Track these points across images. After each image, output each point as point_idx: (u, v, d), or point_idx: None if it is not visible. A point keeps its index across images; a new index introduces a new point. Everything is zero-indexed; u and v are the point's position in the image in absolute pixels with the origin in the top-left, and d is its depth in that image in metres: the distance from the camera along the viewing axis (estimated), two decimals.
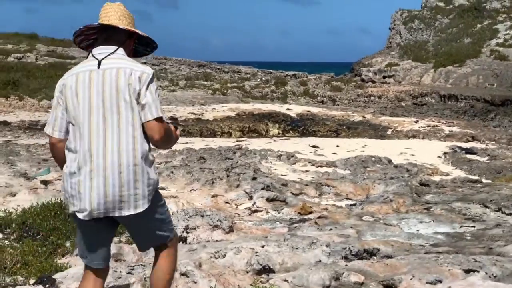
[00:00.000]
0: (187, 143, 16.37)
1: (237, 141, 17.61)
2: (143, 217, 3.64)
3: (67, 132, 3.65)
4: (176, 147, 15.02)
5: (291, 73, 53.13)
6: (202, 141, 17.30)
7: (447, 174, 13.23)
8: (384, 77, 53.73)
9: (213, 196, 9.27)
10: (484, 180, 12.65)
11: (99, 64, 3.59)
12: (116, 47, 3.68)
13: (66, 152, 3.64)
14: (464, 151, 16.65)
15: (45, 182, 9.51)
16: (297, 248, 6.52)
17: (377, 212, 9.00)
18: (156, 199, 3.73)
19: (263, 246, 6.49)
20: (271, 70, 56.22)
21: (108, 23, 3.71)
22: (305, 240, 6.64)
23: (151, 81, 3.59)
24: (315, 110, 27.37)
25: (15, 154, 12.05)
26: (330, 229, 7.85)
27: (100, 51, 3.67)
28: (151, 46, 4.01)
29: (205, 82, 41.39)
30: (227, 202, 9.21)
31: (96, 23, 3.73)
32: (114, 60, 3.62)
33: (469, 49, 52.61)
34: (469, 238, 7.60)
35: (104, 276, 3.89)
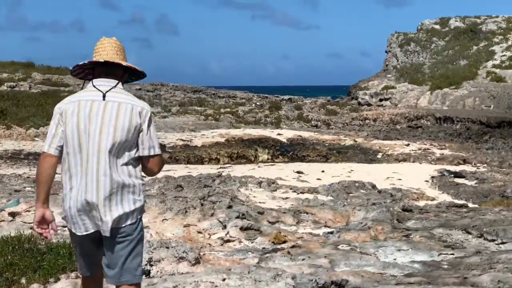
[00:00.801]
0: (169, 170, 16.13)
1: (220, 167, 17.37)
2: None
3: (61, 152, 3.96)
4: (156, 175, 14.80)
5: (286, 97, 53.08)
6: (185, 168, 17.07)
7: (433, 199, 12.98)
8: (381, 100, 53.72)
9: (185, 226, 8.99)
10: (470, 205, 12.41)
11: (104, 96, 3.95)
12: (117, 82, 4.06)
13: (65, 181, 3.97)
14: (452, 175, 16.41)
15: (13, 214, 9.22)
16: (260, 281, 6.27)
17: (354, 240, 8.71)
18: (140, 226, 4.15)
19: (224, 280, 6.23)
20: (267, 95, 56.22)
21: (107, 58, 4.06)
22: (270, 272, 6.38)
23: (150, 119, 4.01)
24: (306, 134, 27.18)
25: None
26: (303, 259, 7.58)
27: (102, 83, 4.02)
28: (136, 75, 4.36)
29: (199, 108, 41.29)
30: (199, 232, 8.92)
31: (101, 60, 4.05)
32: (116, 94, 3.99)
33: (465, 71, 52.67)
34: (445, 266, 7.33)
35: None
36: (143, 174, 4.11)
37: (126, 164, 3.94)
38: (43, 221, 3.99)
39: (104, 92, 3.97)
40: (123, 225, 3.96)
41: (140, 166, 4.05)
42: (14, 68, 53.18)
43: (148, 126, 3.98)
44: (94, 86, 4.01)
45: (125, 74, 4.19)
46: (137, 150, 3.98)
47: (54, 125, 3.97)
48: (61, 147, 3.96)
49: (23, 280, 6.30)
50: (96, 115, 3.90)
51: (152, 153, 4.01)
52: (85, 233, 3.96)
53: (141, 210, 4.06)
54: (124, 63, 4.11)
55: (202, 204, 9.79)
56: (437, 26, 65.85)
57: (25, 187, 11.93)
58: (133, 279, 4.06)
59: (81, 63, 4.13)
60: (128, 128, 3.89)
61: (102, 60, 4.05)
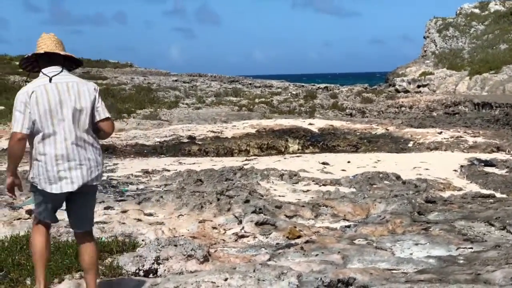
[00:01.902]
0: (194, 163, 16.10)
1: (245, 159, 17.26)
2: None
3: (31, 131, 4.88)
4: (180, 168, 14.76)
5: (322, 85, 52.66)
6: (210, 161, 16.99)
7: (460, 189, 12.68)
8: (419, 86, 53.00)
9: (200, 222, 8.93)
10: (498, 195, 12.09)
11: (50, 79, 4.94)
12: (61, 67, 5.07)
13: (36, 151, 4.91)
14: (482, 163, 16.02)
15: (30, 212, 9.26)
16: (263, 280, 6.17)
17: (371, 234, 8.55)
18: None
19: (226, 279, 6.15)
20: (303, 84, 55.87)
21: (49, 50, 5.05)
22: (275, 270, 6.27)
23: (100, 92, 5.15)
24: (337, 124, 26.88)
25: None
26: (316, 255, 7.46)
27: (49, 70, 5.03)
28: (77, 63, 5.36)
29: (234, 98, 41.20)
30: (214, 228, 8.85)
31: (42, 51, 5.05)
32: (63, 77, 5.02)
33: (505, 55, 51.58)
34: (461, 261, 7.14)
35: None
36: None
37: (89, 131, 5.05)
38: (12, 189, 5.16)
39: (51, 76, 4.97)
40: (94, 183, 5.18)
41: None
42: None
43: (99, 96, 5.11)
44: (44, 74, 5.02)
45: (65, 63, 5.14)
46: (95, 117, 5.11)
47: (22, 110, 4.88)
48: (31, 127, 4.89)
49: (28, 281, 6.30)
50: (58, 95, 4.94)
51: (103, 116, 5.12)
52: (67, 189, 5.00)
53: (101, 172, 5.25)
54: (62, 53, 5.08)
55: (218, 199, 9.72)
56: (477, 10, 64.65)
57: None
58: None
59: (26, 56, 5.10)
60: (84, 99, 5.01)
61: (42, 51, 5.04)
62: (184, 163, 16.30)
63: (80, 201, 5.17)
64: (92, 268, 5.22)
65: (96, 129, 5.16)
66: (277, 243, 8.15)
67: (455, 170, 15.18)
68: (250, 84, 53.52)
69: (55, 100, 4.92)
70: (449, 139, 22.07)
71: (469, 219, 9.32)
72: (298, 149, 23.88)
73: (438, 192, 12.19)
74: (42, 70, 5.03)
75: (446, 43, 61.40)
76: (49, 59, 5.06)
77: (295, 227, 8.71)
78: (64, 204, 5.29)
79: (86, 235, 5.26)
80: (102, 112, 5.11)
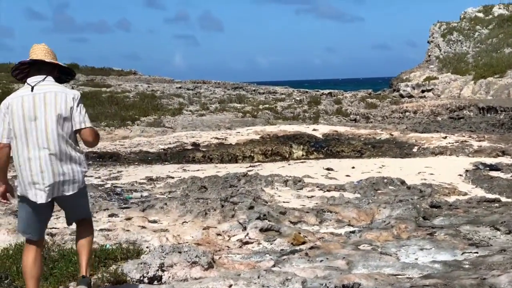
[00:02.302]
0: (198, 170, 16.09)
1: (250, 166, 17.25)
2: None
3: (9, 139, 5.01)
4: (184, 175, 14.76)
5: (326, 91, 52.59)
6: (214, 168, 16.98)
7: (465, 194, 12.64)
8: (423, 91, 52.86)
9: (204, 229, 8.92)
10: (503, 199, 12.04)
11: (32, 89, 5.04)
12: (45, 76, 5.12)
13: (19, 159, 5.01)
14: (488, 168, 15.96)
15: None
16: (268, 287, 6.16)
17: (375, 240, 8.53)
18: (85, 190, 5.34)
19: (230, 286, 6.14)
20: (307, 90, 55.84)
21: (36, 57, 5.15)
22: (279, 276, 6.26)
23: (80, 99, 5.12)
24: (342, 129, 26.84)
25: (13, 190, 11.91)
26: (321, 261, 7.45)
27: (32, 80, 5.12)
28: (71, 74, 5.50)
29: (238, 105, 41.20)
30: (219, 234, 8.84)
31: (28, 59, 5.15)
32: (43, 86, 5.07)
33: (510, 59, 51.43)
34: (467, 266, 7.12)
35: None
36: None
37: (66, 139, 5.07)
38: (4, 195, 5.27)
39: (33, 86, 5.06)
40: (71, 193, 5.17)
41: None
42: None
43: (78, 105, 5.09)
44: (27, 83, 5.13)
45: (54, 71, 5.24)
46: (73, 125, 5.10)
47: (1, 120, 5.05)
48: (10, 136, 5.03)
49: None
50: (34, 104, 5.00)
51: (82, 126, 5.11)
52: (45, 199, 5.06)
53: (83, 177, 5.26)
54: (47, 60, 5.16)
55: (222, 206, 9.71)
56: (480, 14, 64.52)
57: None
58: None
59: (17, 64, 5.25)
60: (61, 109, 5.02)
61: (29, 60, 5.16)
62: (188, 170, 16.29)
63: (64, 206, 5.35)
64: (85, 248, 5.37)
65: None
66: (282, 249, 8.13)
67: (460, 175, 15.13)
68: (254, 90, 53.50)
69: (29, 111, 4.99)
70: (454, 144, 22.01)
71: (475, 223, 9.30)
72: (303, 155, 23.84)
73: (443, 197, 12.15)
74: (27, 79, 5.16)
75: (450, 48, 61.24)
76: (38, 68, 5.18)
77: (300, 233, 8.69)
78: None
79: (81, 221, 5.43)
80: (80, 121, 5.09)
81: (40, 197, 5.03)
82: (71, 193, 5.13)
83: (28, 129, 4.98)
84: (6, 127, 5.02)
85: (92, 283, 5.68)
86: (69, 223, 5.52)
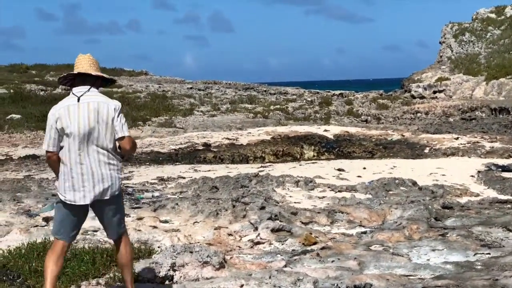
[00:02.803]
0: (209, 170, 16.10)
1: (261, 166, 17.24)
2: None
3: (58, 148, 5.35)
4: (195, 175, 14.77)
5: (337, 92, 52.52)
6: (225, 168, 16.98)
7: (477, 195, 12.58)
8: (434, 92, 52.65)
9: (216, 229, 8.91)
10: None
11: (78, 99, 5.38)
12: (89, 87, 5.46)
13: (63, 164, 5.35)
14: (500, 169, 15.89)
15: (46, 219, 9.32)
16: (279, 287, 6.15)
17: (387, 240, 8.50)
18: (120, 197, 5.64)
19: (241, 286, 6.14)
20: (318, 90, 55.76)
21: (83, 71, 5.49)
22: (291, 277, 6.26)
23: (121, 110, 5.46)
24: (353, 130, 26.80)
25: (25, 190, 11.95)
26: (332, 261, 7.43)
27: (78, 90, 5.44)
28: (112, 82, 5.92)
29: (249, 105, 41.21)
30: (230, 234, 8.83)
31: (75, 72, 5.52)
32: (90, 97, 5.41)
33: None
34: (479, 267, 7.09)
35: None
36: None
37: (104, 147, 5.40)
38: None
39: (79, 96, 5.40)
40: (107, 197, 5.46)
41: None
42: (70, 71, 54.10)
43: (118, 116, 5.42)
44: (73, 93, 5.45)
45: (97, 81, 5.58)
46: (112, 134, 5.42)
47: (48, 130, 5.40)
48: (58, 145, 5.35)
49: None
50: (79, 114, 5.33)
51: (121, 135, 5.42)
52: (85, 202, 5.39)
53: (119, 183, 5.56)
54: (93, 73, 5.51)
55: (234, 206, 9.71)
56: (493, 15, 64.17)
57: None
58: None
59: (63, 76, 5.61)
60: (102, 119, 5.35)
61: (76, 72, 5.52)
62: (200, 170, 16.30)
63: (101, 212, 5.56)
64: (126, 266, 5.65)
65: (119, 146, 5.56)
66: (293, 250, 8.12)
67: (472, 176, 15.07)
68: (265, 91, 53.50)
69: (74, 120, 5.33)
70: (466, 145, 21.92)
71: (487, 224, 9.25)
72: (314, 156, 23.80)
73: (455, 198, 12.10)
74: (73, 89, 5.48)
75: (462, 48, 60.95)
76: (83, 79, 5.51)
77: (311, 233, 8.67)
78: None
79: (119, 238, 5.64)
80: (120, 131, 5.42)
81: (79, 199, 5.35)
82: (109, 197, 5.44)
83: (72, 137, 5.32)
84: (53, 136, 5.36)
85: None
86: (109, 235, 5.73)
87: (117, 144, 5.48)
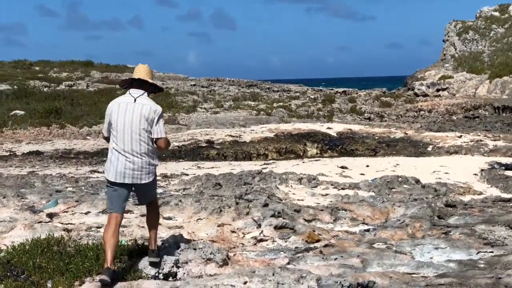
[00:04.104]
0: (212, 168, 16.11)
1: (264, 164, 17.24)
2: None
3: (110, 134, 6.65)
4: (199, 172, 14.79)
5: (340, 90, 52.52)
6: (228, 165, 16.99)
7: (480, 193, 12.58)
8: (438, 90, 52.60)
9: (219, 226, 8.91)
10: None
11: (135, 100, 6.60)
12: (143, 91, 6.70)
13: (111, 148, 6.61)
14: (503, 167, 15.88)
15: (50, 215, 9.32)
16: (283, 284, 6.16)
17: (390, 238, 8.50)
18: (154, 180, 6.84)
19: (245, 283, 6.14)
20: (321, 88, 55.70)
21: (140, 76, 6.73)
22: (294, 274, 6.25)
23: (161, 115, 6.67)
24: (356, 128, 26.81)
25: (29, 186, 11.98)
26: (335, 259, 7.43)
27: (134, 92, 6.68)
28: (161, 90, 7.20)
29: (252, 103, 41.20)
30: (233, 231, 8.83)
31: (136, 77, 6.73)
32: (142, 99, 6.63)
33: None
34: (482, 266, 7.08)
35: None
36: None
37: (145, 141, 6.56)
38: None
39: (135, 97, 6.63)
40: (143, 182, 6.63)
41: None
42: (73, 67, 54.18)
43: (157, 120, 6.60)
44: (130, 94, 6.68)
45: (150, 87, 6.83)
46: (152, 134, 6.60)
47: (105, 118, 6.71)
48: (108, 131, 6.67)
49: (49, 284, 6.33)
50: (129, 112, 6.53)
51: (158, 136, 6.61)
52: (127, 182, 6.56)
53: (154, 172, 6.78)
54: (150, 81, 6.78)
55: (237, 203, 9.70)
56: (496, 13, 64.05)
57: (66, 187, 12.05)
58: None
59: (125, 79, 6.97)
60: (146, 120, 6.53)
61: (137, 77, 6.73)
62: (203, 167, 16.33)
63: (138, 189, 6.78)
64: (153, 227, 6.91)
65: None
66: (296, 247, 8.11)
67: (475, 174, 15.07)
68: (268, 88, 53.47)
69: (126, 115, 6.54)
70: (469, 143, 21.92)
71: (490, 223, 9.24)
72: (317, 153, 23.81)
73: (458, 196, 12.10)
74: (130, 90, 6.71)
75: (465, 46, 60.84)
76: (140, 84, 6.73)
77: (314, 231, 8.67)
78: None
79: (148, 204, 6.93)
80: (157, 132, 6.62)
81: (124, 179, 6.54)
82: (146, 181, 6.65)
83: (124, 129, 6.53)
84: (107, 123, 6.66)
85: (160, 253, 6.96)
86: (140, 204, 7.26)
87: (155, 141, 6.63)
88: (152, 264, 6.70)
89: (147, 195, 6.88)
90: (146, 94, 6.72)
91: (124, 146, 6.54)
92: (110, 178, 6.60)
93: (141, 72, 6.80)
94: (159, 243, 7.86)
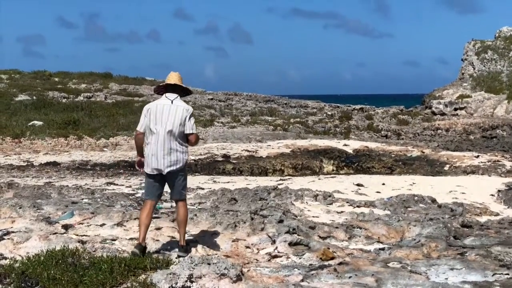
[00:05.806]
0: (228, 182, 16.12)
1: (280, 179, 17.23)
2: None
3: (144, 130, 7.76)
4: (214, 186, 14.80)
5: (358, 106, 52.51)
6: (244, 180, 17.00)
7: (497, 214, 12.48)
8: (455, 109, 52.42)
9: (234, 241, 8.91)
10: None
11: (172, 102, 7.77)
12: (177, 95, 7.88)
13: (146, 144, 7.78)
14: None
15: (66, 227, 9.36)
16: None
17: (405, 258, 8.44)
18: (184, 171, 7.96)
19: None
20: (339, 104, 55.70)
21: (174, 82, 7.90)
22: None
23: (192, 114, 7.84)
24: (372, 145, 26.74)
25: (45, 197, 12.05)
26: (349, 277, 7.39)
27: (170, 95, 7.86)
28: (190, 93, 8.37)
29: (269, 118, 41.28)
30: (248, 247, 8.82)
31: (171, 83, 7.91)
32: (177, 101, 7.81)
33: None
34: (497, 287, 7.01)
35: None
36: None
37: (179, 137, 7.69)
38: (140, 164, 7.93)
39: (172, 99, 7.81)
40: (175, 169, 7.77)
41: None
42: (92, 79, 54.58)
43: (189, 118, 7.77)
44: (166, 97, 7.85)
45: (182, 92, 7.99)
46: (185, 130, 7.73)
47: (143, 119, 7.78)
48: (144, 128, 7.76)
49: None
50: (167, 112, 7.69)
51: (190, 131, 7.76)
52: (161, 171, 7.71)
53: (184, 162, 7.86)
54: (182, 85, 7.97)
55: (252, 219, 9.69)
56: None
57: (82, 199, 12.10)
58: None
59: (160, 84, 8.09)
60: (181, 119, 7.67)
61: (172, 82, 7.90)
62: (219, 182, 16.33)
63: (170, 181, 7.86)
64: (181, 223, 7.98)
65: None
66: (310, 264, 8.08)
67: (492, 195, 14.95)
68: (286, 104, 53.54)
69: (162, 115, 7.70)
70: (486, 163, 21.78)
71: (506, 244, 9.15)
72: (333, 170, 23.76)
73: (475, 216, 12.01)
74: (165, 94, 7.89)
75: (484, 66, 60.66)
76: (174, 88, 7.93)
77: (329, 248, 8.63)
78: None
79: (179, 201, 7.99)
80: (188, 128, 7.76)
81: (160, 169, 7.69)
82: (177, 167, 7.74)
83: (159, 127, 7.67)
84: (144, 122, 7.76)
85: (188, 248, 8.11)
86: (171, 198, 8.53)
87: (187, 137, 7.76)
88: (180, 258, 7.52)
89: (176, 188, 7.86)
90: (179, 97, 7.86)
91: (160, 142, 7.61)
92: (147, 171, 7.75)
93: (174, 78, 7.95)
94: (173, 256, 7.89)
